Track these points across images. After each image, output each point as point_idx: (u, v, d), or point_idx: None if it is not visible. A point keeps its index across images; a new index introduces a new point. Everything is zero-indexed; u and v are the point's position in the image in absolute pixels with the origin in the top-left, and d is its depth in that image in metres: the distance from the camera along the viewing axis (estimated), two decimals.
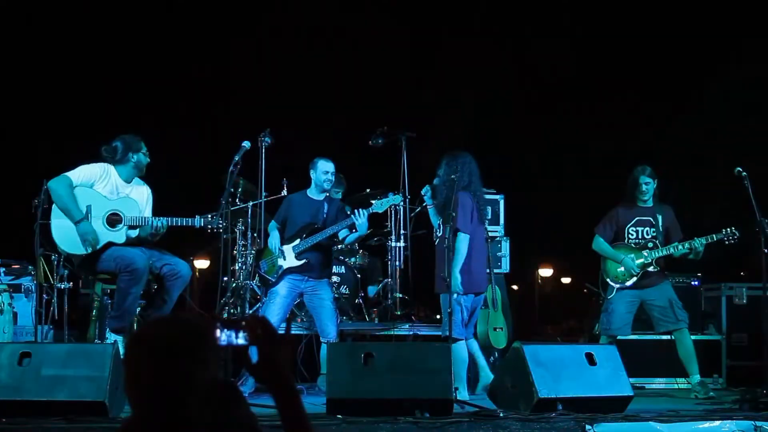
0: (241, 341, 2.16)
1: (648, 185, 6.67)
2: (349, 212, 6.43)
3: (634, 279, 6.62)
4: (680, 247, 6.56)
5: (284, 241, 6.39)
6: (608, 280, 6.79)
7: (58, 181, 5.55)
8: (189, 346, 2.03)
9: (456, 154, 6.24)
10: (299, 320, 7.08)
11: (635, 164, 6.80)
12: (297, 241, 6.35)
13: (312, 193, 6.51)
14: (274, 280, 6.35)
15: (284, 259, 6.35)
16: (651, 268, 6.62)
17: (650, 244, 6.65)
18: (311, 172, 6.49)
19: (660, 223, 6.68)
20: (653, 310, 6.64)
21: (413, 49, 13.06)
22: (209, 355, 2.06)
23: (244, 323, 2.17)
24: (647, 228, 6.70)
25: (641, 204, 6.73)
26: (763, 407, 5.25)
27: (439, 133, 11.75)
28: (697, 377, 6.56)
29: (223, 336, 2.15)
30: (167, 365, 2.01)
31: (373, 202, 6.43)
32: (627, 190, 6.77)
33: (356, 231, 6.40)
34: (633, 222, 6.72)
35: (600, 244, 6.80)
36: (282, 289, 6.30)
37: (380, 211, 6.39)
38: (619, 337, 6.70)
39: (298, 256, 6.32)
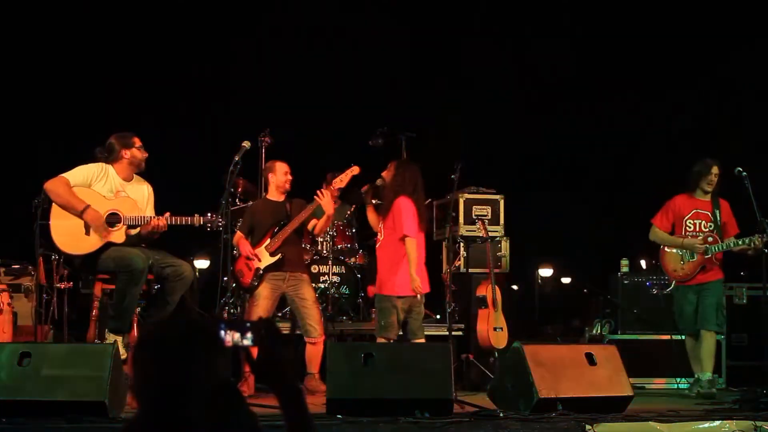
0: (246, 342, 2.17)
1: (717, 177, 6.64)
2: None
3: (695, 270, 6.59)
4: (739, 242, 6.55)
5: (255, 245, 6.43)
6: (668, 273, 6.78)
7: (55, 182, 5.54)
8: (195, 348, 2.04)
9: (405, 161, 6.47)
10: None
11: (633, 163, 6.83)
12: (268, 241, 6.39)
13: (272, 195, 6.56)
14: (256, 283, 6.38)
15: (260, 261, 6.38)
16: (709, 264, 6.60)
17: (710, 238, 6.63)
18: (269, 175, 6.54)
19: (718, 218, 6.65)
20: (701, 306, 6.64)
21: (413, 49, 13.05)
22: (215, 356, 2.07)
23: (248, 324, 2.18)
24: (704, 221, 6.67)
25: (701, 196, 6.70)
26: (763, 407, 5.26)
27: (440, 132, 11.74)
28: (707, 374, 6.57)
29: (228, 337, 2.16)
30: (173, 366, 2.01)
31: (333, 180, 6.47)
32: (691, 180, 6.72)
33: (323, 212, 6.42)
34: (691, 214, 6.70)
35: (657, 233, 6.78)
36: (264, 290, 6.34)
37: (342, 186, 6.42)
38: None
39: (272, 254, 6.36)
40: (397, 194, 6.24)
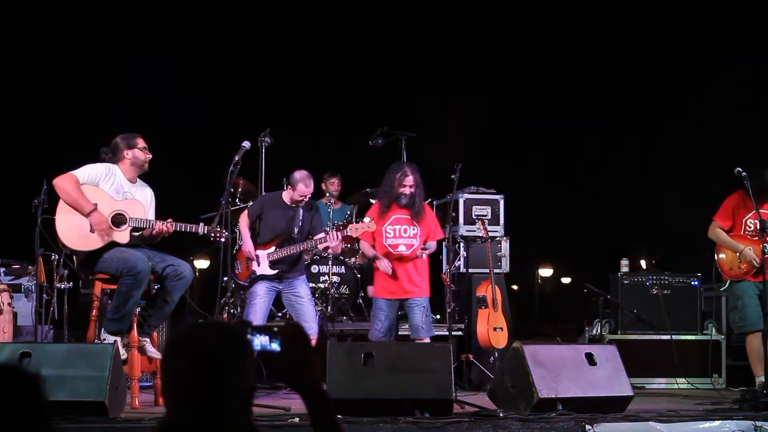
0: (274, 347, 2.16)
1: None
2: (333, 226, 6.49)
3: (752, 270, 6.48)
4: None
5: (257, 244, 6.44)
6: (723, 271, 6.67)
7: (65, 179, 5.53)
8: (229, 354, 2.04)
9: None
10: None
11: (634, 163, 6.79)
12: (272, 249, 6.40)
13: (288, 200, 6.54)
14: (247, 284, 6.40)
15: (258, 265, 6.39)
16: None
17: None
18: (290, 188, 6.48)
19: None
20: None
21: (413, 49, 13.07)
22: (247, 362, 2.07)
23: (276, 329, 2.17)
24: (764, 220, 6.61)
25: (762, 198, 6.65)
26: (763, 407, 5.26)
27: (440, 132, 11.76)
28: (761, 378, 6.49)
29: (256, 342, 2.15)
30: (208, 373, 2.00)
31: (349, 226, 6.48)
32: (764, 186, 6.57)
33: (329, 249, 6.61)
34: (751, 214, 6.63)
35: (718, 233, 6.67)
36: (260, 289, 6.37)
37: (353, 236, 6.44)
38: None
39: (272, 266, 6.38)
40: (422, 199, 6.45)
